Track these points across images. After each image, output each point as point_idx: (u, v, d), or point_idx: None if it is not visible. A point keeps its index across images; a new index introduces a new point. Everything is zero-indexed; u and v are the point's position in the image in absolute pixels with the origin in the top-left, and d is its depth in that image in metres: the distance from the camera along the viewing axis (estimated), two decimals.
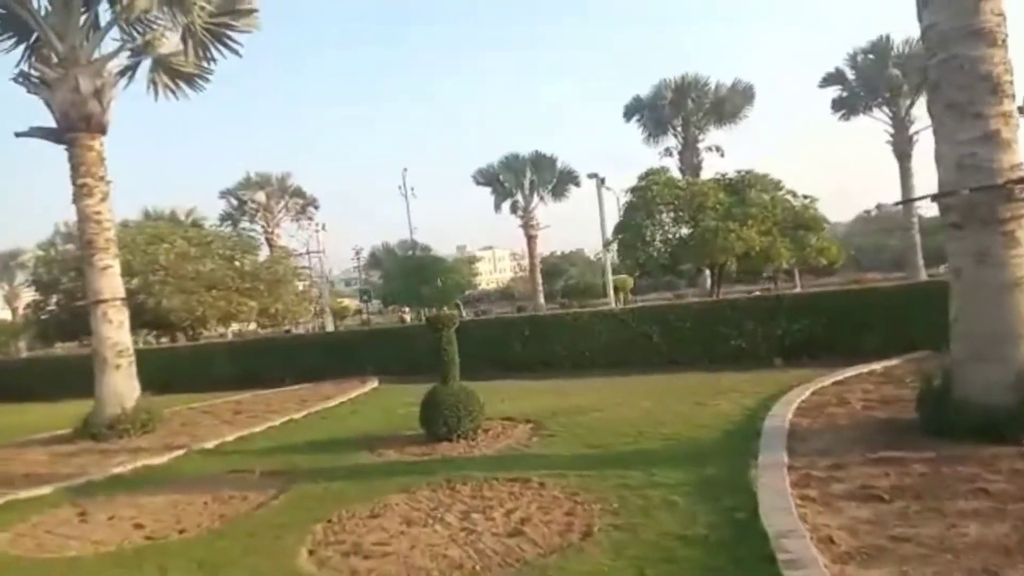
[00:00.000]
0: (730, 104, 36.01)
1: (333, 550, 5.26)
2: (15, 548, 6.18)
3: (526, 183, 43.50)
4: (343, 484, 7.06)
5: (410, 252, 50.20)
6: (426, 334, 17.08)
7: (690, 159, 37.61)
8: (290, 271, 26.48)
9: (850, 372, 10.31)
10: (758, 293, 25.06)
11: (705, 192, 16.89)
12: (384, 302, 46.00)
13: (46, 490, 8.00)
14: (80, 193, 11.28)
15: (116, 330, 11.40)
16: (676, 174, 38.80)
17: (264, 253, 28.29)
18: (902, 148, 33.22)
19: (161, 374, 18.12)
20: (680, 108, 36.64)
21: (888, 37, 32.92)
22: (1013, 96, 5.89)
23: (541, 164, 42.57)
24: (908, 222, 33.27)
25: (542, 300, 44.33)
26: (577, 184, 42.83)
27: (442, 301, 44.26)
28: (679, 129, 38.41)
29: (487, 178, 44.11)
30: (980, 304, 5.96)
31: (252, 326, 41.34)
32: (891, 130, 33.79)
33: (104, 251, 11.41)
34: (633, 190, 18.59)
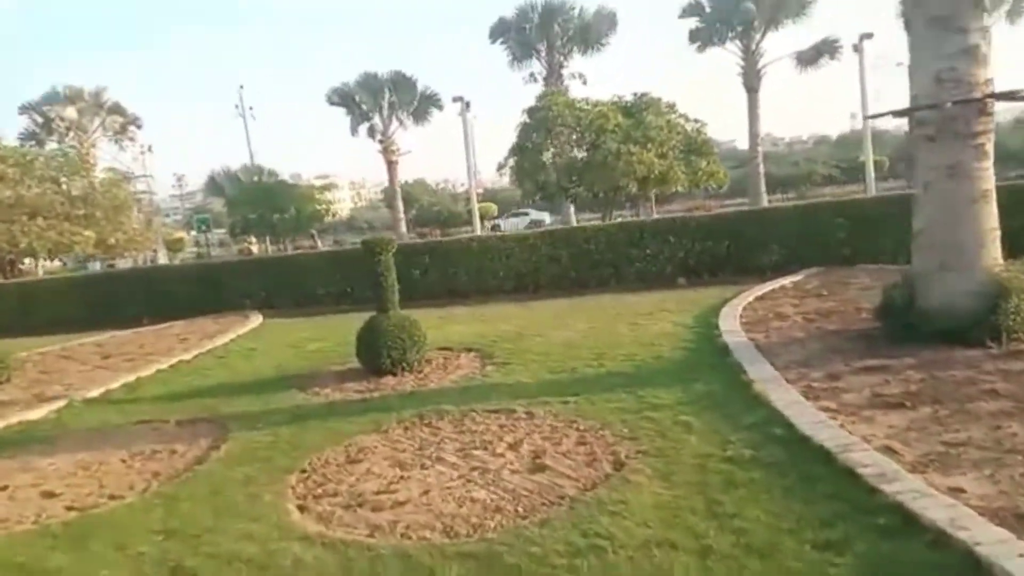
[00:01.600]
0: (595, 31, 35.86)
1: (328, 503, 4.56)
2: None
3: (384, 105, 41.24)
4: (292, 429, 6.23)
5: (255, 178, 46.49)
6: (314, 264, 16.06)
7: (555, 86, 37.21)
8: (130, 197, 23.31)
9: (765, 288, 10.73)
10: (620, 219, 25.77)
11: (605, 114, 16.62)
12: (231, 232, 42.44)
13: None
14: None
15: None
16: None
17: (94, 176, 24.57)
18: (751, 81, 34.98)
19: None
20: (546, 32, 35.96)
21: None
22: (988, 10, 6.00)
23: (401, 85, 40.31)
24: (754, 152, 35.49)
25: (404, 229, 43.00)
26: (439, 108, 41.14)
27: (296, 231, 41.72)
28: (543, 55, 37.85)
29: (342, 98, 41.17)
30: (948, 215, 6.18)
31: (55, 263, 36.35)
32: (742, 63, 35.43)
33: None
34: (531, 111, 17.92)
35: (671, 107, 17.79)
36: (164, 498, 4.94)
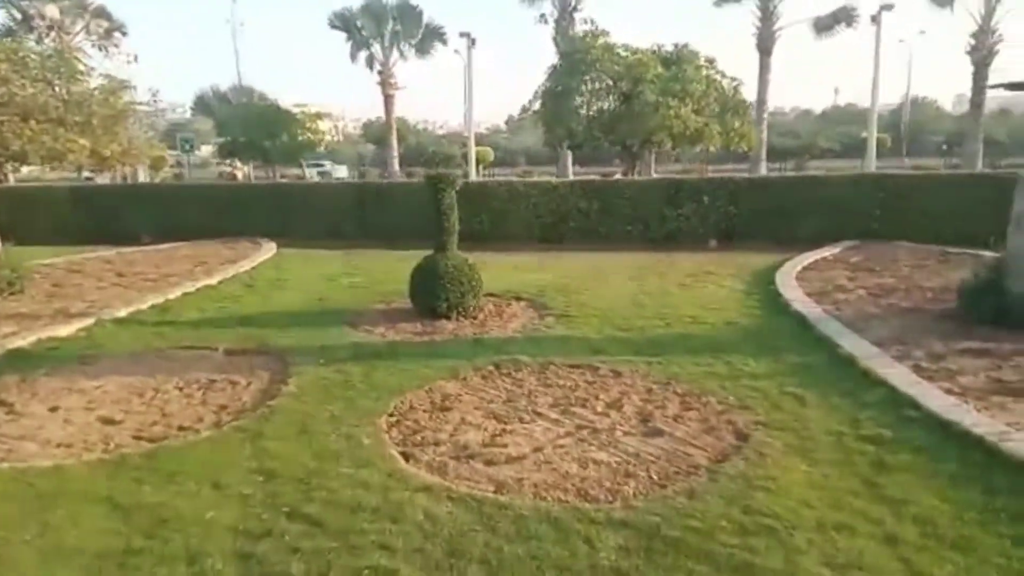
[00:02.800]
0: None
1: (434, 453, 4.26)
2: None
3: (387, 35, 39.66)
4: (361, 368, 5.88)
5: (244, 100, 44.80)
6: (329, 194, 15.46)
7: (566, 29, 36.05)
8: (128, 107, 22.04)
9: (809, 258, 10.52)
10: (618, 176, 25.50)
11: (645, 63, 15.92)
12: (221, 154, 40.98)
13: None
14: None
15: None
16: (549, 44, 37.62)
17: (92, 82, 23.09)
18: (766, 43, 34.26)
19: None
20: None
21: None
22: None
23: (406, 15, 38.77)
24: (760, 118, 34.96)
25: (397, 167, 41.94)
26: (444, 42, 39.81)
27: (288, 159, 40.40)
28: None
29: (344, 23, 39.49)
30: None
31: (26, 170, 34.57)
32: (758, 23, 34.64)
33: None
34: (564, 54, 17.08)
35: (710, 62, 17.16)
36: (246, 434, 4.58)
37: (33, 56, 20.64)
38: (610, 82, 16.54)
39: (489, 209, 13.86)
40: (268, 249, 12.85)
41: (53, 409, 5.22)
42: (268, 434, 4.57)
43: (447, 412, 4.96)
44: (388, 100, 41.77)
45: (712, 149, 18.09)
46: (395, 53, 40.57)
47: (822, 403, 4.81)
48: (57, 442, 4.62)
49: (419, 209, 14.44)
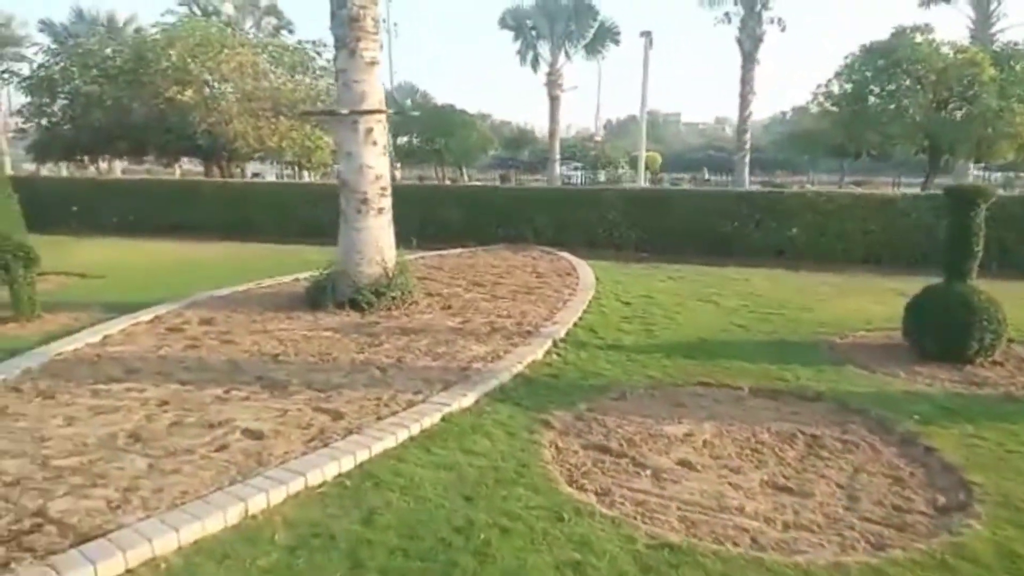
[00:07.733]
0: None
1: None
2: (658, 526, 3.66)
3: (557, 34, 38.98)
4: (994, 434, 4.78)
5: (408, 100, 45.52)
6: (608, 200, 14.59)
7: (752, 29, 34.21)
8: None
9: None
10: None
11: (978, 63, 14.18)
12: (398, 155, 41.57)
13: (467, 398, 5.30)
14: None
15: (379, 158, 8.23)
16: (733, 45, 35.87)
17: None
18: (984, 43, 31.22)
19: (231, 214, 15.16)
20: None
21: None
22: None
23: (582, 14, 37.99)
24: None
25: (558, 171, 41.19)
26: (616, 43, 38.87)
27: (462, 161, 40.46)
28: None
29: (516, 21, 39.21)
30: None
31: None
32: (972, 25, 31.65)
33: (372, 37, 7.98)
34: (874, 51, 15.51)
35: None
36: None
37: (280, 49, 21.20)
38: (919, 84, 14.87)
39: (804, 223, 12.64)
40: (571, 257, 12.04)
41: (684, 463, 4.39)
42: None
43: None
44: (554, 102, 41.15)
45: None
46: (561, 56, 39.95)
47: None
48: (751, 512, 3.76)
49: (697, 220, 13.55)
